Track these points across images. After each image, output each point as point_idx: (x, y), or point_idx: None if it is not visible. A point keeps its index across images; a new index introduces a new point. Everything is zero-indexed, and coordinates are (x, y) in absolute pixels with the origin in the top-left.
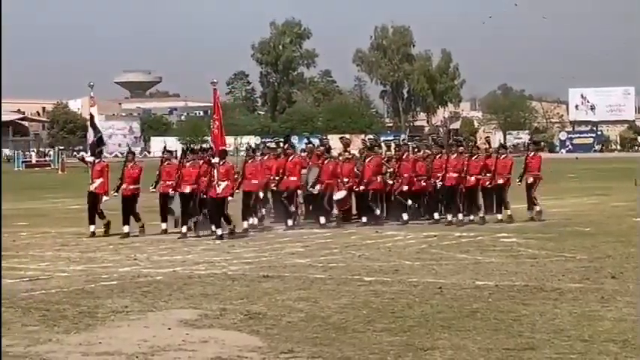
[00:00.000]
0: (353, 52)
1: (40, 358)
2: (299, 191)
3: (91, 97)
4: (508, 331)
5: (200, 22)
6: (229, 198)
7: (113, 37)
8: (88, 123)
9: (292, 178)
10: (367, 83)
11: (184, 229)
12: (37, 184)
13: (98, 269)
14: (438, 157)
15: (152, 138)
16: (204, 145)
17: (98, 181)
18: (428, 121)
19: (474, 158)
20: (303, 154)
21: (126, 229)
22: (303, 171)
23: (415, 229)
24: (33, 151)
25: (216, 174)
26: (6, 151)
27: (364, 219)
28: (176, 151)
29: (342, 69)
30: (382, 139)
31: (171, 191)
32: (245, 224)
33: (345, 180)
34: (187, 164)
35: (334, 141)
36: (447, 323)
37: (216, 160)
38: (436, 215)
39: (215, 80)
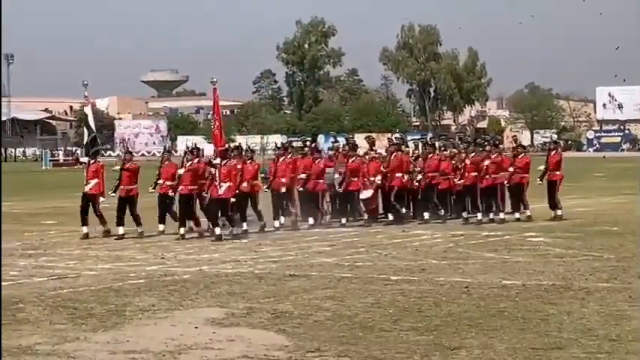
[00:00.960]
0: (379, 50)
1: (68, 356)
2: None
3: (85, 96)
4: (535, 330)
5: (226, 21)
6: (232, 200)
7: (140, 36)
8: (83, 123)
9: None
10: (394, 82)
11: (182, 230)
12: (64, 182)
13: (126, 268)
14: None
15: (179, 137)
16: (232, 145)
17: (93, 182)
18: (454, 120)
19: (493, 157)
20: (330, 152)
21: (120, 230)
22: (329, 170)
23: (442, 228)
24: (60, 149)
25: (217, 175)
26: (34, 150)
27: (390, 217)
28: (202, 149)
29: (369, 68)
30: (409, 138)
31: (170, 192)
32: (276, 223)
33: (372, 179)
34: (187, 165)
35: (360, 140)
36: (474, 322)
37: (217, 160)
38: (464, 214)
39: (214, 79)
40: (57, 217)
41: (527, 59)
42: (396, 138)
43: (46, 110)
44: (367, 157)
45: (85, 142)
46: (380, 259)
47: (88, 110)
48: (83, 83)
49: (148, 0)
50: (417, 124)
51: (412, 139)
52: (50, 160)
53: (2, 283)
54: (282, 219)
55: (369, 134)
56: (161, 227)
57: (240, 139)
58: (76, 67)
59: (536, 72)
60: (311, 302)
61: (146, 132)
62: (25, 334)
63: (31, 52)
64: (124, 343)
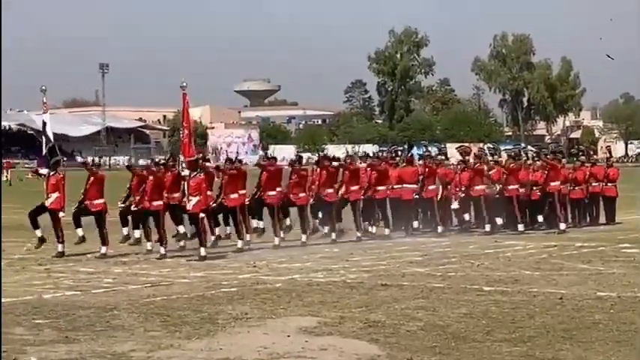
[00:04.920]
0: (471, 60)
1: None
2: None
3: (44, 102)
4: (631, 342)
5: (318, 31)
6: (201, 215)
7: (233, 46)
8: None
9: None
10: (486, 92)
11: (162, 250)
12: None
13: (218, 276)
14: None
15: (270, 146)
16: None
17: (54, 196)
18: (547, 130)
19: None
20: (420, 161)
21: (103, 249)
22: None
23: (535, 238)
24: (152, 158)
25: (186, 188)
26: (127, 158)
27: (488, 227)
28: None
29: (461, 77)
30: (502, 148)
31: (133, 207)
32: (359, 233)
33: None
34: (151, 178)
35: (453, 150)
36: (568, 334)
37: (186, 172)
38: (562, 226)
39: (184, 83)
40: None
41: (622, 69)
42: (488, 148)
43: (140, 119)
44: (459, 166)
45: (43, 153)
46: (472, 270)
47: (46, 118)
48: (41, 89)
49: (240, 10)
50: (510, 134)
51: (505, 149)
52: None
53: (98, 291)
54: (373, 228)
55: (462, 144)
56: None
57: (332, 149)
58: (170, 76)
59: (632, 82)
60: (403, 312)
61: (238, 141)
62: (120, 341)
63: (127, 62)
64: (217, 350)
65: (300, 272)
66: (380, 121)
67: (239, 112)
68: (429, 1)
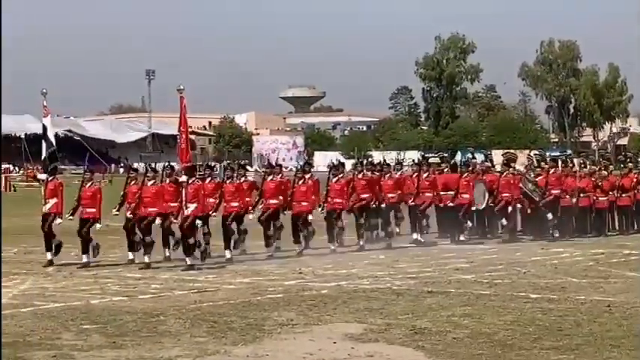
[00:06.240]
0: (518, 66)
1: None
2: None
3: (44, 106)
4: None
5: (363, 37)
6: (198, 222)
7: (278, 51)
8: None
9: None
10: (532, 98)
11: (146, 258)
12: None
13: (264, 282)
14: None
15: (316, 152)
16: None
17: (52, 201)
18: (594, 137)
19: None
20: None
21: (84, 258)
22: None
23: (582, 246)
24: (198, 164)
25: (184, 194)
26: (173, 164)
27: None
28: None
29: (507, 84)
30: (548, 154)
31: (128, 214)
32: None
33: (508, 195)
34: (149, 183)
35: (497, 156)
36: (616, 342)
37: (183, 178)
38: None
39: (181, 87)
40: None
41: None
42: (535, 155)
43: None
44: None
45: (42, 157)
46: (519, 277)
47: (47, 122)
48: (42, 92)
49: (285, 16)
50: (556, 140)
51: (551, 156)
52: None
53: (144, 297)
54: (417, 235)
55: (508, 150)
56: (130, 255)
57: (377, 155)
58: (216, 82)
59: None
60: (449, 319)
61: (283, 147)
62: (167, 347)
63: (173, 68)
64: (263, 356)
65: (346, 279)
66: (425, 128)
67: (284, 118)
68: (476, 7)
